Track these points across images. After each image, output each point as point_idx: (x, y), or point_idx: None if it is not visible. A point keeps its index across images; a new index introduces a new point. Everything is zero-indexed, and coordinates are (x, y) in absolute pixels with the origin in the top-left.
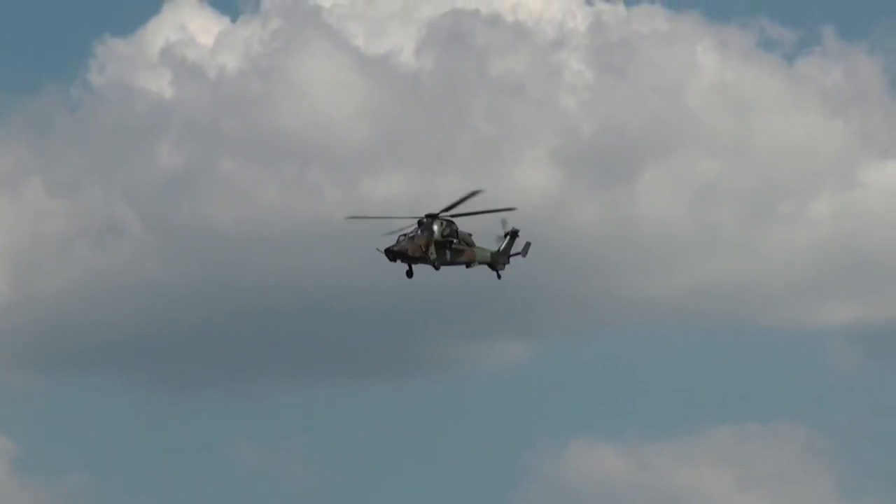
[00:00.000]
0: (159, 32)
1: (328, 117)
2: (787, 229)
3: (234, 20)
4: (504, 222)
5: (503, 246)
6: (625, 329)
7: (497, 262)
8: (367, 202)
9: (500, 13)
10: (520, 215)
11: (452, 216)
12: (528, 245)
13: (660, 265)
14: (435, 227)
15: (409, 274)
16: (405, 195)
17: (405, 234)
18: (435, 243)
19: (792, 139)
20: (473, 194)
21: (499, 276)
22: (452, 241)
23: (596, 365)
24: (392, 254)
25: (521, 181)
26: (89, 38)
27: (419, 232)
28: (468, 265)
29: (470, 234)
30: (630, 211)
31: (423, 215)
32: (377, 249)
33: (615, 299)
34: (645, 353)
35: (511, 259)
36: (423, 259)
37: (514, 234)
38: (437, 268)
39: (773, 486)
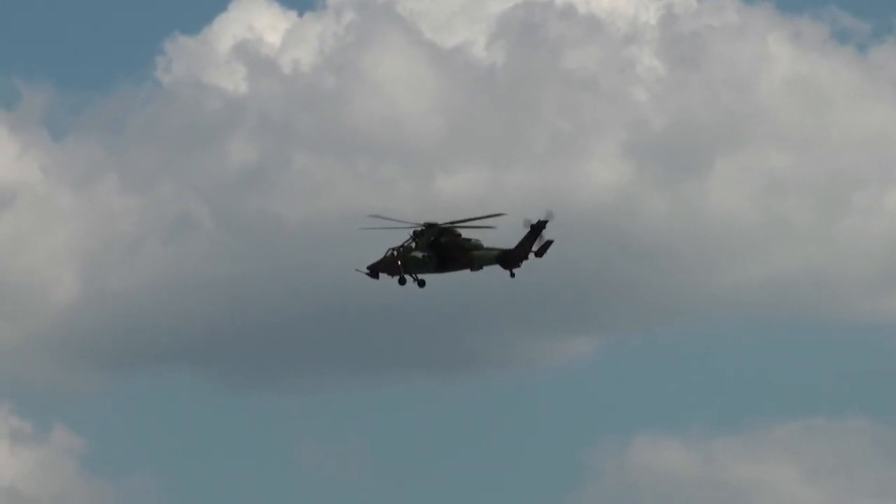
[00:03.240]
0: (227, 29)
1: (400, 112)
2: (861, 221)
3: (300, 15)
4: (550, 214)
5: (521, 241)
6: (694, 323)
7: (508, 259)
8: (439, 198)
9: (573, 5)
10: (589, 208)
11: (454, 224)
12: (547, 244)
13: (731, 259)
14: (418, 240)
15: (401, 282)
16: (477, 190)
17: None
18: (422, 254)
19: (865, 130)
20: (492, 216)
21: (512, 275)
22: (447, 250)
23: (664, 359)
24: (371, 269)
25: (592, 175)
26: (159, 36)
27: (403, 245)
28: (472, 268)
29: (477, 239)
30: (701, 204)
31: (422, 224)
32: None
33: (685, 293)
34: (714, 347)
35: (528, 257)
36: (397, 271)
37: (535, 228)
38: (416, 281)
39: (840, 482)
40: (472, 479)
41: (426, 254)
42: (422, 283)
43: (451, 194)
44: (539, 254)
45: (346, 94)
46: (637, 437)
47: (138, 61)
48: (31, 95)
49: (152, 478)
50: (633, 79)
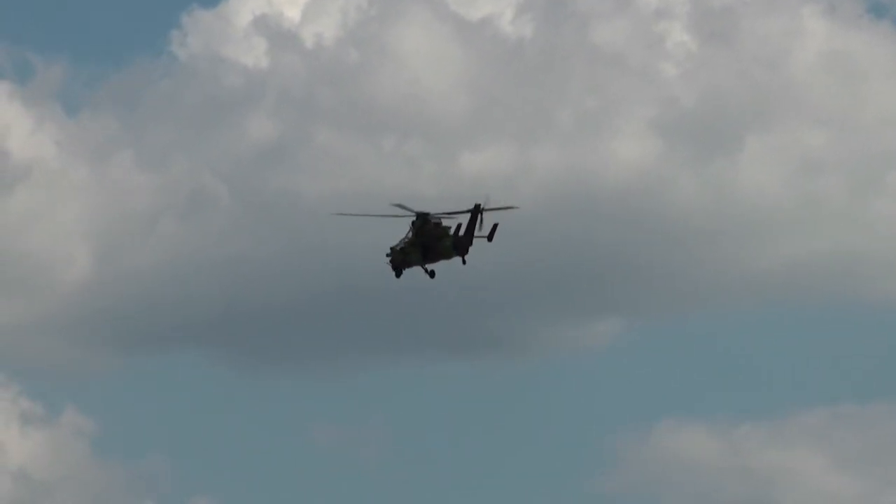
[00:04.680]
0: (246, 2)
1: (425, 87)
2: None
3: None
4: (487, 198)
5: (465, 226)
6: (724, 305)
7: (457, 246)
8: (464, 175)
9: None
10: (617, 187)
11: (448, 214)
12: (494, 226)
13: (762, 239)
14: (412, 231)
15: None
16: (503, 167)
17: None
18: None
19: None
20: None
21: (463, 262)
22: (429, 240)
23: (693, 342)
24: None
25: (619, 153)
26: (176, 9)
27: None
28: (446, 258)
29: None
30: (732, 183)
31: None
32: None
33: (715, 274)
34: (744, 330)
35: (476, 242)
36: (409, 265)
37: (473, 214)
38: (428, 272)
39: (868, 469)
40: (494, 463)
41: (414, 244)
42: (432, 274)
43: (475, 172)
44: (489, 238)
45: (369, 69)
46: (662, 422)
47: (155, 35)
48: (46, 69)
49: (166, 460)
50: (663, 54)
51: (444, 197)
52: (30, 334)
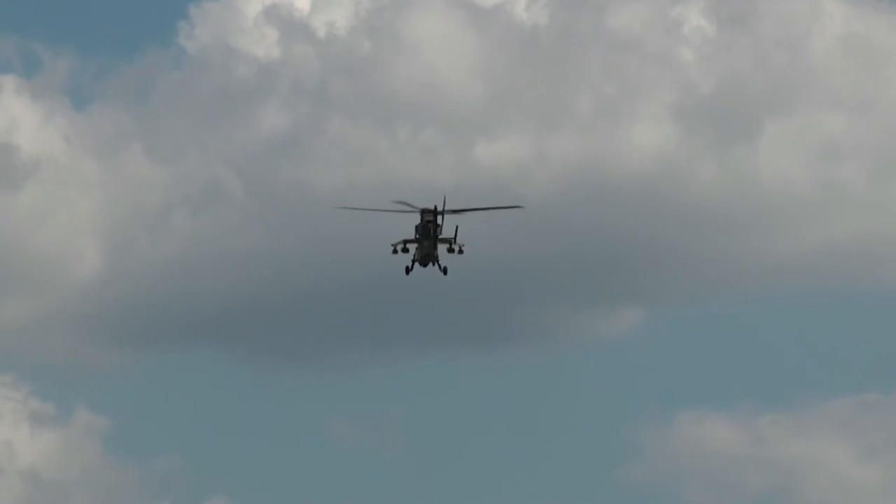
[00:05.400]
0: None
1: (439, 76)
2: None
3: None
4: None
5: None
6: (744, 293)
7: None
8: (479, 164)
9: None
10: (635, 174)
11: (455, 211)
12: (456, 230)
13: (782, 225)
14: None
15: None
16: (520, 156)
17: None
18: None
19: None
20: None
21: (440, 269)
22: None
23: (713, 330)
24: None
25: (637, 140)
26: (184, 0)
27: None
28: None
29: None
30: (751, 169)
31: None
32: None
33: (734, 261)
34: (764, 318)
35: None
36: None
37: (427, 219)
38: (441, 269)
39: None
40: (517, 453)
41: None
42: (445, 271)
43: (491, 161)
44: (458, 249)
45: (383, 58)
46: (685, 411)
47: (163, 26)
48: (53, 62)
49: (179, 456)
50: (681, 39)
51: (460, 187)
52: (40, 331)
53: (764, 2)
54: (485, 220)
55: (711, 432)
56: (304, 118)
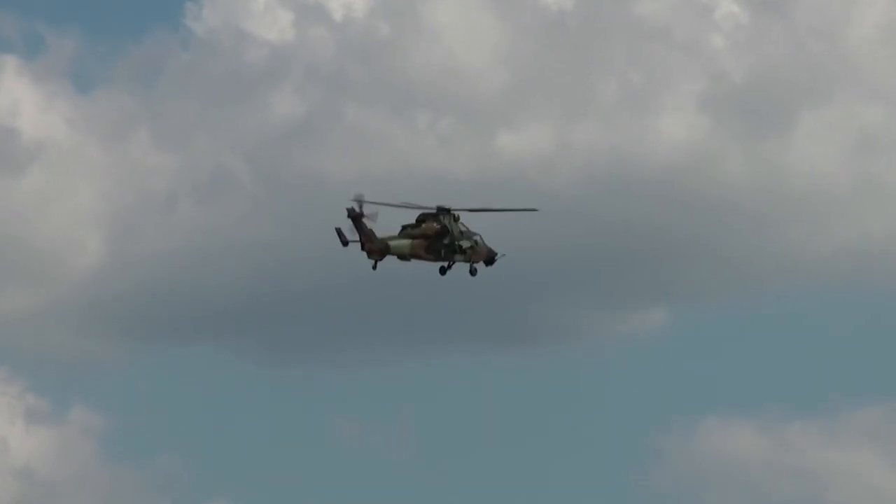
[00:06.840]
0: None
1: (460, 62)
2: None
3: None
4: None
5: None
6: (775, 292)
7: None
8: (500, 155)
9: None
10: (663, 166)
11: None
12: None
13: (816, 222)
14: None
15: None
16: (543, 147)
17: None
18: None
19: None
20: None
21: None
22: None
23: (740, 330)
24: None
25: (666, 130)
26: None
27: None
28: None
29: None
30: (784, 163)
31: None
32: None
33: (765, 259)
34: (797, 317)
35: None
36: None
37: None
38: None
39: None
40: (536, 455)
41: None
42: (442, 271)
43: (513, 151)
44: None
45: (401, 43)
46: (712, 414)
47: (170, 7)
48: (57, 43)
49: (182, 453)
50: (712, 26)
51: (480, 179)
52: (40, 323)
53: None
54: (504, 215)
55: (737, 437)
56: (318, 105)
